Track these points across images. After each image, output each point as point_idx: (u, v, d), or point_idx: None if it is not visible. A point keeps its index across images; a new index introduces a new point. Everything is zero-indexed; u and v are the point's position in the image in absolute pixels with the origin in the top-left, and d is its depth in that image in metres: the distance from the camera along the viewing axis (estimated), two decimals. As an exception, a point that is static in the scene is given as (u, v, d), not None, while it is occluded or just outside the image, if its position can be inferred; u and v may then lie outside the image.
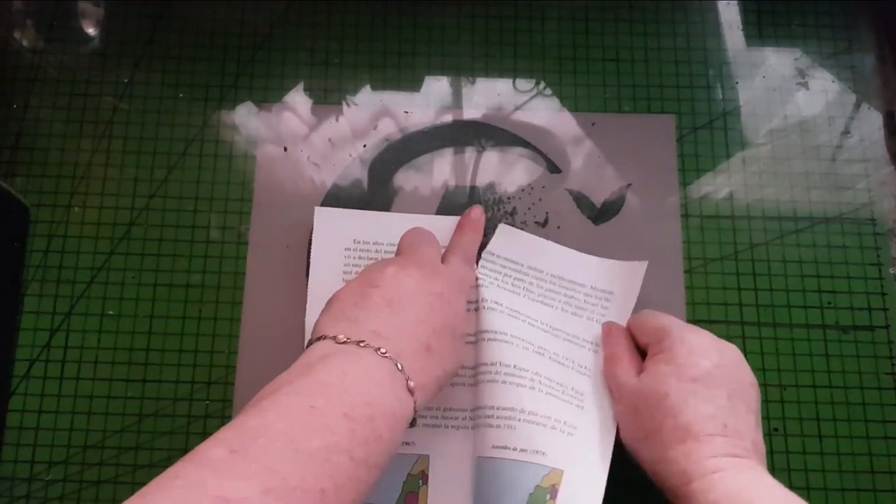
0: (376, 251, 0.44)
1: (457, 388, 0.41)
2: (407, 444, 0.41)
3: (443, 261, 0.40)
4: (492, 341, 0.40)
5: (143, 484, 0.41)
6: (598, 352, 0.41)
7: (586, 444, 0.39)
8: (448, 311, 0.35)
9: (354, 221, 0.45)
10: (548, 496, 0.37)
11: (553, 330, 0.42)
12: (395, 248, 0.41)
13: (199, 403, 0.43)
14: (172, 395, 0.43)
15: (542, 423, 0.39)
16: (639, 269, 0.43)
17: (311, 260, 0.44)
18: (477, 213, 0.44)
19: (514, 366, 0.40)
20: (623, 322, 0.42)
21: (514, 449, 0.38)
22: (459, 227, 0.43)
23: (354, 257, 0.44)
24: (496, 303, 0.42)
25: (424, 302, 0.34)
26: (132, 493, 0.41)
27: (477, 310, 0.42)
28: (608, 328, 0.41)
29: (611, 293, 0.43)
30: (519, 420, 0.38)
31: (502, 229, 0.45)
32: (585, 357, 0.42)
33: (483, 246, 0.44)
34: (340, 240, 0.44)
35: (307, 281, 0.44)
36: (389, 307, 0.33)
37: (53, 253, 0.45)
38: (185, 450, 0.42)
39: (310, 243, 0.45)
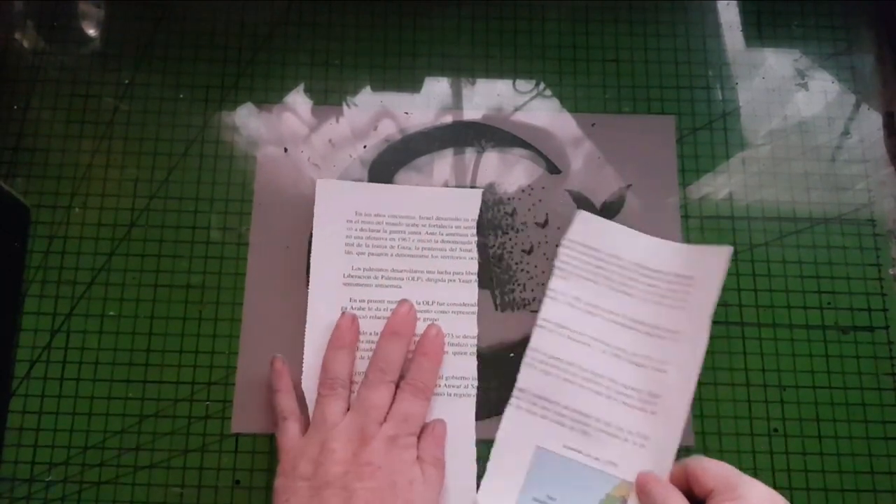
0: (378, 223, 0.45)
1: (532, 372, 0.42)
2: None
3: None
4: (570, 340, 0.42)
5: (144, 485, 0.42)
6: (678, 340, 0.42)
7: (655, 455, 0.40)
8: None
9: (357, 193, 0.45)
10: None
11: (633, 323, 0.42)
12: (396, 221, 0.44)
13: (199, 404, 0.43)
14: (173, 396, 0.43)
15: (615, 435, 0.40)
16: (722, 253, 0.43)
17: (314, 232, 0.44)
18: (406, 312, 0.42)
19: (591, 371, 0.41)
20: (706, 309, 0.41)
21: (588, 455, 0.40)
22: (417, 353, 0.41)
23: (356, 229, 0.44)
24: (576, 298, 0.43)
25: None
26: (132, 494, 0.41)
27: (555, 300, 0.43)
28: (644, 479, 0.39)
29: (691, 278, 0.43)
30: (593, 427, 0.41)
31: (581, 216, 0.45)
32: (665, 349, 0.42)
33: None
34: (342, 211, 0.45)
35: (307, 280, 0.44)
36: None
37: (54, 254, 0.45)
38: (185, 450, 0.42)
39: (309, 244, 0.45)
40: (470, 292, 0.44)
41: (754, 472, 0.42)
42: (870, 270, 0.46)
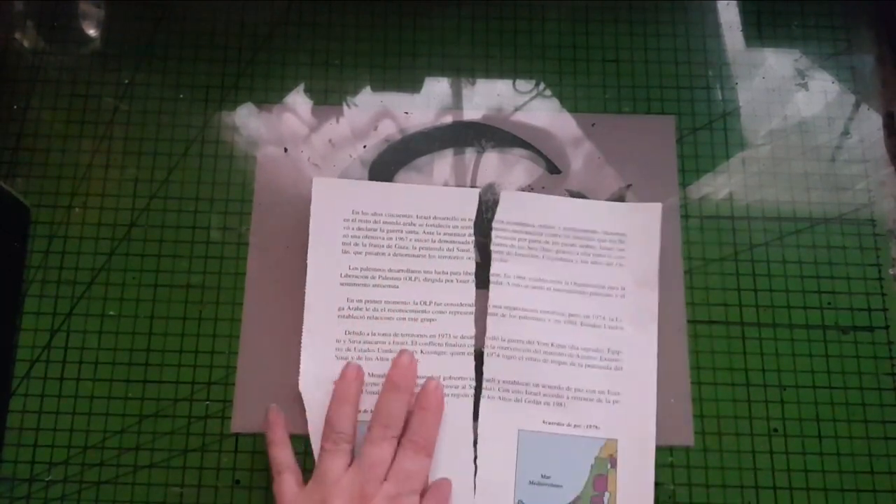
0: (375, 222, 0.45)
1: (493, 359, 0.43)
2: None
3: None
4: (524, 319, 0.43)
5: (144, 485, 0.42)
6: (626, 296, 0.43)
7: (631, 408, 0.42)
8: None
9: (354, 191, 0.45)
10: (608, 465, 0.40)
11: (579, 287, 0.43)
12: (393, 220, 0.44)
13: (199, 404, 0.43)
14: (173, 396, 0.43)
15: (589, 398, 0.42)
16: (651, 210, 0.44)
17: (311, 231, 0.44)
18: (407, 363, 0.41)
19: (552, 343, 0.42)
20: (648, 265, 0.43)
21: (568, 425, 0.41)
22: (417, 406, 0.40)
23: (353, 228, 0.44)
24: (519, 277, 0.43)
25: None
26: (132, 494, 0.41)
27: (499, 284, 0.43)
28: None
29: (623, 234, 0.44)
30: (566, 397, 0.42)
31: (505, 196, 0.45)
32: (614, 306, 0.43)
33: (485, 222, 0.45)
34: (339, 210, 0.45)
35: (307, 280, 0.44)
36: None
37: (54, 253, 0.45)
38: (185, 450, 0.42)
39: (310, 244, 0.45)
40: (467, 292, 0.44)
41: (754, 472, 0.42)
42: (870, 270, 0.46)
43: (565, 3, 0.51)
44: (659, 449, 0.42)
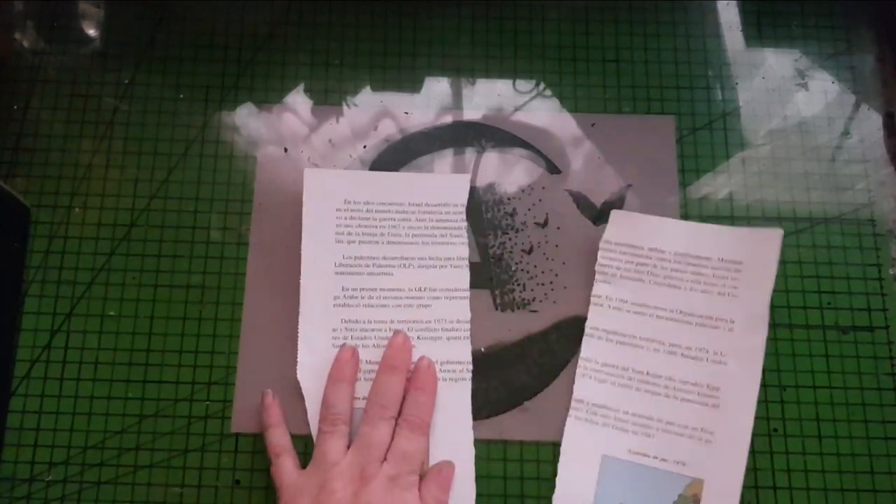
0: (367, 210, 0.45)
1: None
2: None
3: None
4: (621, 344, 0.41)
5: (144, 485, 0.42)
6: (734, 329, 0.41)
7: (723, 449, 0.40)
8: None
9: (345, 181, 0.45)
10: None
11: (684, 316, 0.42)
12: (385, 208, 0.44)
13: (199, 404, 0.43)
14: (173, 396, 0.43)
15: (680, 433, 0.40)
16: (772, 236, 0.42)
17: (303, 222, 0.44)
18: (401, 342, 0.41)
19: (647, 372, 0.41)
20: (761, 296, 0.41)
21: (655, 458, 0.40)
22: (411, 387, 0.40)
23: (346, 217, 0.45)
24: (622, 301, 0.42)
25: None
26: (132, 494, 0.41)
27: (600, 306, 0.42)
28: None
29: (740, 262, 0.42)
30: (656, 429, 0.40)
31: (616, 215, 0.44)
32: (720, 339, 0.41)
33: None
34: (331, 200, 0.45)
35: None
36: None
37: (54, 254, 0.45)
38: (185, 450, 0.42)
39: (310, 244, 0.45)
40: (461, 277, 0.44)
41: (754, 473, 0.42)
42: (870, 270, 0.46)
43: (565, 3, 0.51)
44: (659, 449, 0.42)
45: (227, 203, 0.46)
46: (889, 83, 0.49)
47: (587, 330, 0.43)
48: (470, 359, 0.43)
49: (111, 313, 0.44)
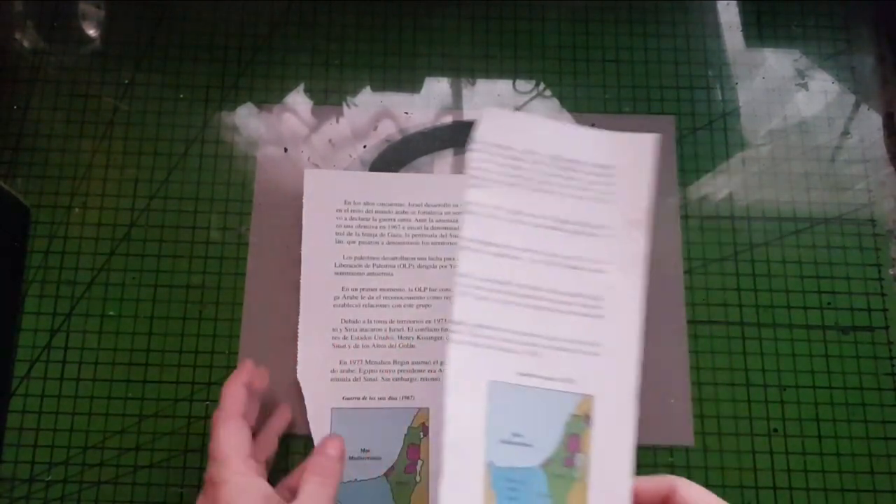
0: (367, 211, 0.45)
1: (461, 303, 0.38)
2: (406, 398, 0.42)
3: None
4: (499, 256, 0.38)
5: (144, 485, 0.42)
6: (612, 235, 0.38)
7: (611, 363, 0.37)
8: None
9: (345, 182, 0.46)
10: (583, 424, 0.36)
11: (560, 223, 0.38)
12: (386, 209, 0.44)
13: (199, 404, 0.43)
14: (173, 396, 0.43)
15: (566, 348, 0.37)
16: (646, 141, 0.39)
17: (304, 223, 0.44)
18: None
19: (528, 285, 0.38)
20: (638, 202, 0.38)
21: (543, 377, 0.37)
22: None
23: (346, 218, 0.45)
24: (496, 207, 0.38)
25: None
26: (132, 494, 0.41)
27: (474, 214, 0.38)
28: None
29: (613, 167, 0.39)
30: (542, 346, 0.37)
31: (489, 113, 0.39)
32: (598, 247, 0.38)
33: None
34: (331, 201, 0.45)
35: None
36: None
37: (54, 254, 0.45)
38: (185, 451, 0.42)
39: (310, 243, 0.45)
40: None
41: (754, 473, 0.42)
42: (870, 270, 0.46)
43: (565, 3, 0.51)
44: (659, 449, 0.42)
45: (227, 203, 0.46)
46: (889, 83, 0.49)
47: (462, 243, 0.38)
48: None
49: (111, 313, 0.44)
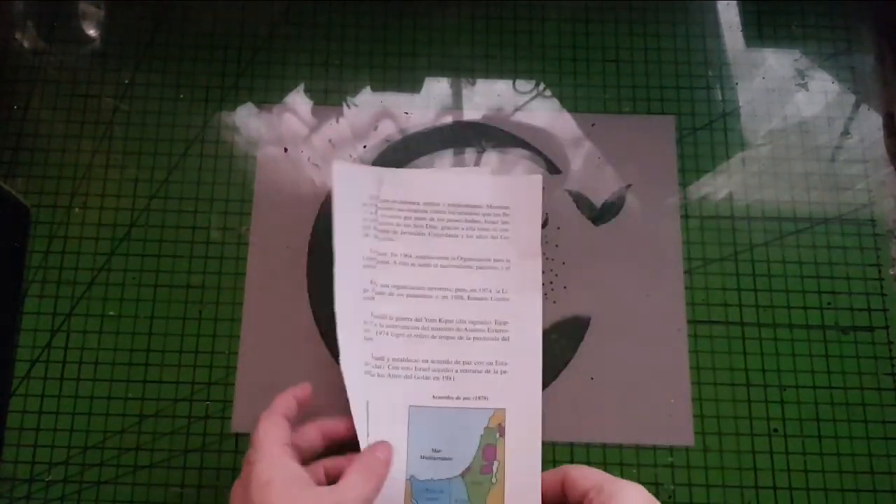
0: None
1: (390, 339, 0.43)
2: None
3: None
4: (411, 297, 0.43)
5: (144, 485, 0.42)
6: (510, 268, 0.44)
7: (518, 377, 0.42)
8: None
9: (374, 177, 0.45)
10: (497, 434, 0.41)
11: (465, 261, 0.44)
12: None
13: (199, 404, 0.43)
14: (173, 396, 0.43)
15: (477, 370, 0.42)
16: (532, 182, 0.45)
17: (334, 217, 0.43)
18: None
19: (440, 319, 0.43)
20: (531, 236, 0.44)
21: (458, 398, 0.42)
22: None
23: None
24: (406, 255, 0.44)
25: None
26: (132, 494, 0.41)
27: (386, 263, 0.44)
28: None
29: (507, 208, 0.45)
30: (454, 370, 0.42)
31: (389, 174, 0.46)
32: (500, 278, 0.44)
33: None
34: (359, 195, 0.45)
35: (307, 280, 0.44)
36: None
37: (54, 254, 0.45)
38: (185, 450, 0.42)
39: (309, 245, 0.45)
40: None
41: (754, 473, 0.42)
42: (870, 270, 0.46)
43: (565, 3, 0.51)
44: (659, 449, 0.42)
45: (227, 203, 0.46)
46: (889, 83, 0.49)
47: (377, 289, 0.43)
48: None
49: (111, 313, 0.44)
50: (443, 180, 0.46)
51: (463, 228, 0.45)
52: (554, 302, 0.45)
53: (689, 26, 0.50)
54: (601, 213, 0.46)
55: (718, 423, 0.43)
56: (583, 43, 0.50)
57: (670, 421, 0.43)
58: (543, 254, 0.46)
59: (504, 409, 0.41)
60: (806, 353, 0.44)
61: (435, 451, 0.41)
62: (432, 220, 0.45)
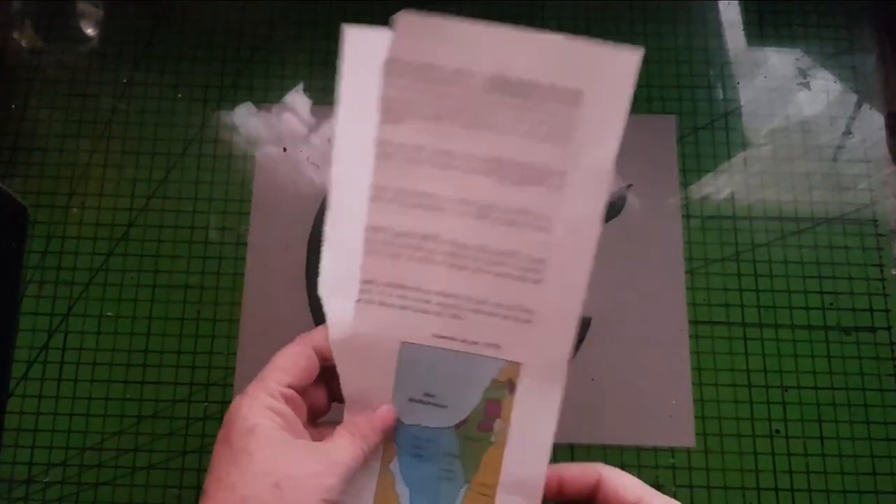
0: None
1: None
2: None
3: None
4: (418, 208, 0.31)
5: (142, 486, 0.42)
6: (563, 187, 0.30)
7: (544, 331, 0.32)
8: None
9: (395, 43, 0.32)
10: (505, 391, 0.33)
11: (498, 167, 0.30)
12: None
13: (197, 405, 0.43)
14: (171, 397, 0.43)
15: (493, 313, 0.32)
16: (626, 61, 0.28)
17: (341, 93, 0.31)
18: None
19: (454, 241, 0.31)
20: (609, 140, 0.30)
21: (464, 341, 0.32)
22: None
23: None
24: (417, 148, 0.31)
25: None
26: (130, 495, 0.41)
27: (389, 157, 0.31)
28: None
29: (579, 93, 0.30)
30: (465, 308, 0.32)
31: (403, 21, 0.30)
32: (546, 199, 0.31)
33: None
34: (374, 70, 0.32)
35: (307, 281, 0.44)
36: None
37: (52, 254, 0.45)
38: (183, 452, 0.42)
39: (309, 242, 0.45)
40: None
41: (756, 474, 0.42)
42: (872, 271, 0.45)
43: (565, 3, 0.51)
44: (660, 450, 0.42)
45: (226, 203, 0.46)
46: (891, 83, 0.49)
47: (373, 191, 0.31)
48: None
49: (109, 314, 0.44)
50: (487, 36, 0.31)
51: (505, 116, 0.30)
52: (554, 302, 0.44)
53: (689, 26, 0.50)
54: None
55: (720, 424, 0.43)
56: (583, 42, 0.50)
57: (671, 422, 0.43)
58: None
59: (519, 365, 0.32)
60: (808, 354, 0.44)
61: (428, 395, 0.33)
62: (461, 98, 0.30)
